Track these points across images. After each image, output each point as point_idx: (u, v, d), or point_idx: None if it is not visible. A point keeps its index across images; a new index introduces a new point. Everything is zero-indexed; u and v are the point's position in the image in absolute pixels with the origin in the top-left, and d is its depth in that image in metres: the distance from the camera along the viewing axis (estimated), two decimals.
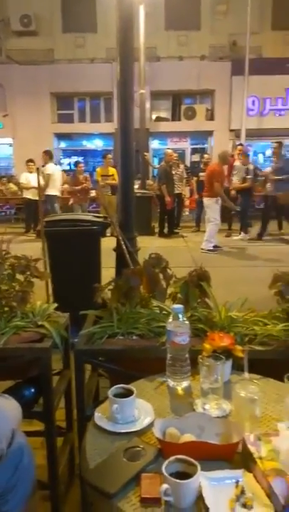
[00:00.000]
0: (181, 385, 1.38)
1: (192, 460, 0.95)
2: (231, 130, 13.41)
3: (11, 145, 14.23)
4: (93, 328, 1.67)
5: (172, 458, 0.96)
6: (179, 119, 13.98)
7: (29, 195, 9.30)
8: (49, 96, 13.67)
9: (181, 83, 13.13)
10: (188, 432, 1.08)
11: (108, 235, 3.82)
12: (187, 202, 11.15)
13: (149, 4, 10.86)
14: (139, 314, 1.73)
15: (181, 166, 10.09)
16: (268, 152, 12.57)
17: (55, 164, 9.86)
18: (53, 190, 8.88)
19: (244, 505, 0.91)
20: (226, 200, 7.54)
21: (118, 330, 1.65)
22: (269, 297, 1.77)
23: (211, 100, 13.94)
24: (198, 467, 0.93)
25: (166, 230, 9.38)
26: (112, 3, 3.34)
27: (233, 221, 9.35)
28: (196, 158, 13.89)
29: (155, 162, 13.23)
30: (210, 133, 13.94)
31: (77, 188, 9.47)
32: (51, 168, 8.90)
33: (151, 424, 1.15)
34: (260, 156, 14.11)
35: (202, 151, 13.66)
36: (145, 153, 10.90)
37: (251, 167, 8.70)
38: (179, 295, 1.80)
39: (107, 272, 3.30)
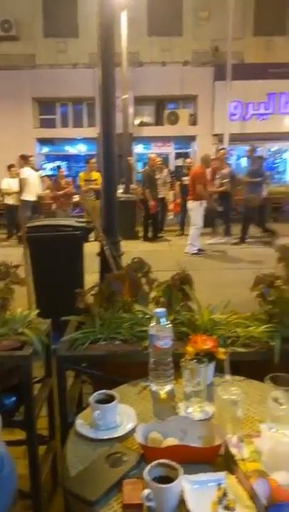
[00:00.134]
0: (164, 389, 1.37)
1: (174, 464, 0.94)
2: (214, 135, 13.53)
3: None
4: (75, 333, 1.65)
5: (154, 462, 0.96)
6: (163, 124, 14.06)
7: (10, 200, 9.21)
8: (31, 101, 13.58)
9: (164, 88, 13.22)
10: (170, 435, 1.07)
11: (92, 239, 3.81)
12: (171, 206, 11.21)
13: (132, 10, 10.92)
14: (121, 319, 1.72)
15: (165, 171, 10.16)
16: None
17: (36, 169, 9.76)
18: (29, 196, 8.55)
19: (226, 508, 0.90)
20: (210, 200, 7.60)
21: (100, 335, 1.64)
22: (252, 299, 1.79)
23: (194, 105, 14.06)
24: (181, 471, 0.92)
25: (150, 234, 9.41)
26: (93, 9, 3.35)
27: (216, 225, 9.43)
28: (179, 162, 13.96)
29: (139, 166, 13.25)
30: (193, 138, 14.05)
31: (59, 192, 9.43)
32: (26, 172, 8.70)
33: (133, 430, 1.14)
34: (244, 160, 14.28)
35: (186, 156, 13.74)
36: (129, 158, 10.92)
37: (226, 171, 8.85)
38: (161, 299, 1.80)
39: (91, 277, 3.28)
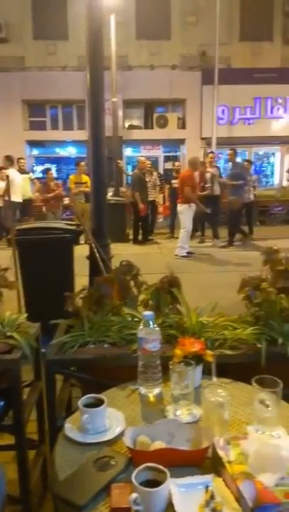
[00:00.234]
0: (153, 392, 1.38)
1: (162, 467, 0.95)
2: (202, 138, 13.63)
3: None
4: (64, 337, 1.65)
5: (142, 466, 0.96)
6: (152, 127, 14.11)
7: (0, 203, 9.12)
8: (20, 103, 13.52)
9: (152, 92, 13.28)
10: (158, 439, 1.08)
11: (82, 242, 3.80)
12: (161, 209, 11.25)
13: (120, 13, 10.96)
14: (110, 322, 1.73)
15: (155, 174, 10.19)
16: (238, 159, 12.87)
17: (26, 171, 9.67)
18: (13, 197, 8.55)
19: (214, 510, 0.91)
20: (197, 202, 7.64)
21: (89, 338, 1.64)
22: (239, 301, 1.81)
23: (183, 109, 14.15)
24: (168, 474, 0.93)
25: (140, 237, 9.42)
26: (83, 11, 3.35)
27: (205, 227, 9.49)
28: (169, 165, 14.01)
29: (129, 169, 13.28)
30: (182, 141, 14.13)
31: (49, 195, 9.39)
32: (11, 173, 8.64)
33: (122, 433, 1.15)
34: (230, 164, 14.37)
35: (175, 159, 13.82)
36: (119, 161, 10.93)
37: (208, 175, 8.94)
38: (150, 302, 1.80)
39: (81, 280, 3.28)
